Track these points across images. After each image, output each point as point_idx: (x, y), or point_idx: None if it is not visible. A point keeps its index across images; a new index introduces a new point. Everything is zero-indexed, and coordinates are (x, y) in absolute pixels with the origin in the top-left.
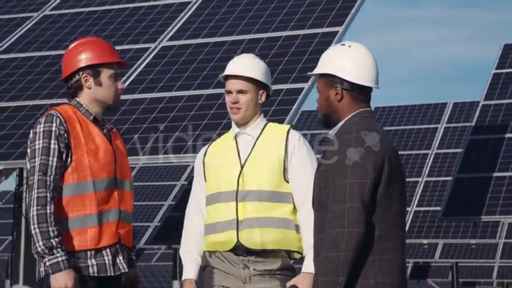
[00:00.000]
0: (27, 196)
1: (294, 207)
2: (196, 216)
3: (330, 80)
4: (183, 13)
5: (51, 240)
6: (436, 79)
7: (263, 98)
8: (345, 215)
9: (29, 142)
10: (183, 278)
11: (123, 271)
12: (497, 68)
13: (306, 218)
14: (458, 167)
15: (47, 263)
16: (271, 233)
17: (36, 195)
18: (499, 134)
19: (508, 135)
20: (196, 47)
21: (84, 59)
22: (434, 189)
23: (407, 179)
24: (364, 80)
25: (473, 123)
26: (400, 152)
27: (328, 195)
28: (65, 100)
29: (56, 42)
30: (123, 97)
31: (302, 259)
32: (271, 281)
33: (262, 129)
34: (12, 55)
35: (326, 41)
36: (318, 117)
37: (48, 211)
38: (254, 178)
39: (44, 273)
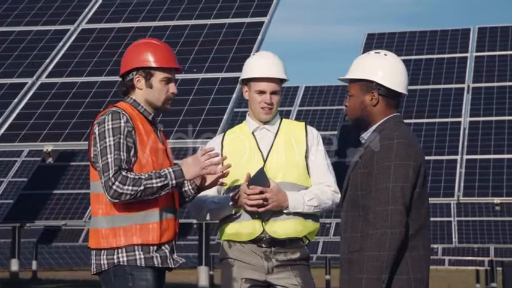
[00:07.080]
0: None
1: None
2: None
3: (366, 85)
4: None
5: (149, 180)
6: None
7: None
8: (388, 216)
9: (98, 139)
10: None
11: (179, 262)
12: None
13: (319, 187)
14: (334, 152)
15: (173, 182)
16: (293, 223)
17: (115, 188)
18: None
19: None
20: (119, 31)
21: (139, 60)
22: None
23: None
24: (399, 86)
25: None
26: None
27: (367, 196)
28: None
29: None
30: (49, 80)
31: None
32: (292, 270)
33: (279, 125)
34: None
35: (254, 31)
36: (347, 119)
37: (132, 178)
38: (278, 170)
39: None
